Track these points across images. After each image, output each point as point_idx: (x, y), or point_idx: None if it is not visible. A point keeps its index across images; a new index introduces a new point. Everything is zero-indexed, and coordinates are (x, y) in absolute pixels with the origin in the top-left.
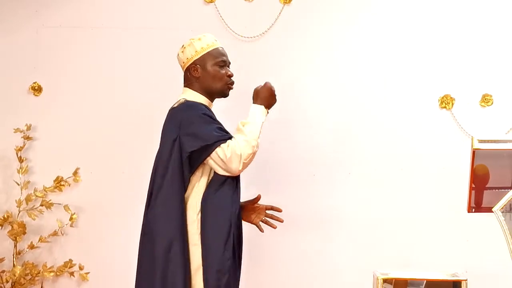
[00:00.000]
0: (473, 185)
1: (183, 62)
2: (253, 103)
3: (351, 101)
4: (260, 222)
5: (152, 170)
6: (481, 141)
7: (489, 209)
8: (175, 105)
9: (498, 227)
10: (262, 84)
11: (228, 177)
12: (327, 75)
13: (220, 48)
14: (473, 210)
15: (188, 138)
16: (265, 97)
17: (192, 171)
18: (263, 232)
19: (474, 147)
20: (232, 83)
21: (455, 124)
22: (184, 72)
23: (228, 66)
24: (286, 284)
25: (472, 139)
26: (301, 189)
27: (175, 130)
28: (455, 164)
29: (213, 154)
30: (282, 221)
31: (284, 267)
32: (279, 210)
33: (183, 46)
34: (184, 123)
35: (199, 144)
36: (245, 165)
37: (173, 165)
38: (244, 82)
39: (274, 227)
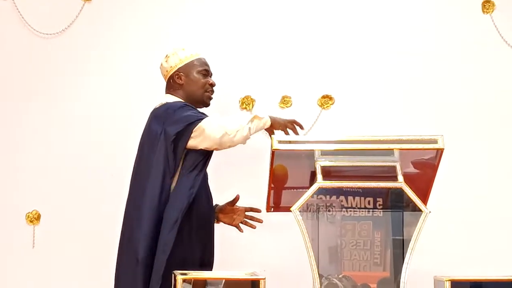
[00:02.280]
0: (272, 185)
1: (167, 71)
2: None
3: (142, 102)
4: (240, 223)
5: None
6: (280, 142)
7: (287, 209)
8: (156, 107)
9: (296, 226)
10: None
11: (194, 168)
12: (128, 76)
13: (203, 59)
14: (272, 209)
15: (172, 124)
16: (280, 119)
17: (177, 162)
18: (242, 232)
19: (273, 148)
20: (212, 91)
21: None
22: (167, 80)
23: (211, 77)
24: None
25: (271, 139)
26: None
27: (160, 125)
28: (255, 164)
29: (194, 130)
30: (261, 222)
31: None
32: (258, 211)
33: (166, 55)
34: (167, 115)
35: (182, 125)
36: (220, 142)
37: (157, 157)
38: (44, 79)
39: (254, 228)
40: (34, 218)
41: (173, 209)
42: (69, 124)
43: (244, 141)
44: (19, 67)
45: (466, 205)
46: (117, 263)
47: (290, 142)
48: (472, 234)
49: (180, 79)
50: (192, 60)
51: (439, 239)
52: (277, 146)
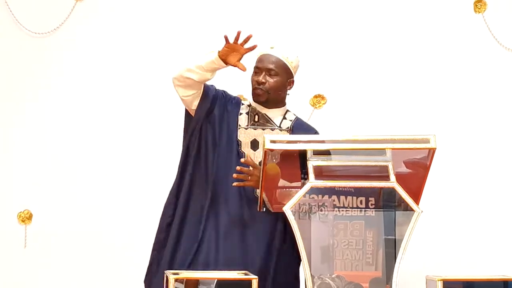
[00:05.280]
0: (264, 184)
1: None
2: None
3: (134, 100)
4: None
5: None
6: (272, 141)
7: (279, 208)
8: None
9: None
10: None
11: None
12: (120, 75)
13: (262, 55)
14: (264, 209)
15: None
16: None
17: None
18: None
19: (266, 147)
20: (259, 89)
21: None
22: None
23: (269, 73)
24: None
25: (263, 139)
26: None
27: None
28: None
29: None
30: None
31: None
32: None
33: None
34: None
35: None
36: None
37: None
38: (36, 78)
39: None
40: (26, 218)
41: None
42: (61, 124)
43: (184, 75)
44: (11, 66)
45: (458, 205)
46: None
47: (282, 142)
48: (464, 234)
49: None
50: (257, 58)
51: (431, 239)
52: (269, 145)
